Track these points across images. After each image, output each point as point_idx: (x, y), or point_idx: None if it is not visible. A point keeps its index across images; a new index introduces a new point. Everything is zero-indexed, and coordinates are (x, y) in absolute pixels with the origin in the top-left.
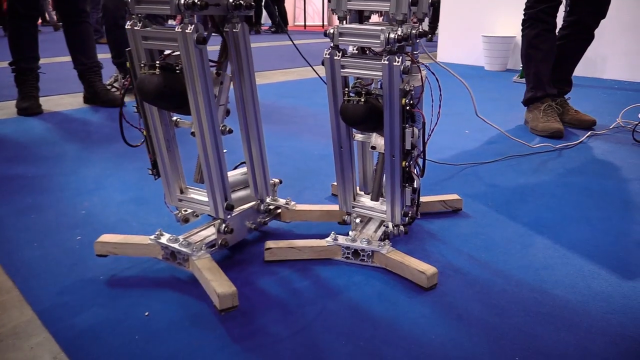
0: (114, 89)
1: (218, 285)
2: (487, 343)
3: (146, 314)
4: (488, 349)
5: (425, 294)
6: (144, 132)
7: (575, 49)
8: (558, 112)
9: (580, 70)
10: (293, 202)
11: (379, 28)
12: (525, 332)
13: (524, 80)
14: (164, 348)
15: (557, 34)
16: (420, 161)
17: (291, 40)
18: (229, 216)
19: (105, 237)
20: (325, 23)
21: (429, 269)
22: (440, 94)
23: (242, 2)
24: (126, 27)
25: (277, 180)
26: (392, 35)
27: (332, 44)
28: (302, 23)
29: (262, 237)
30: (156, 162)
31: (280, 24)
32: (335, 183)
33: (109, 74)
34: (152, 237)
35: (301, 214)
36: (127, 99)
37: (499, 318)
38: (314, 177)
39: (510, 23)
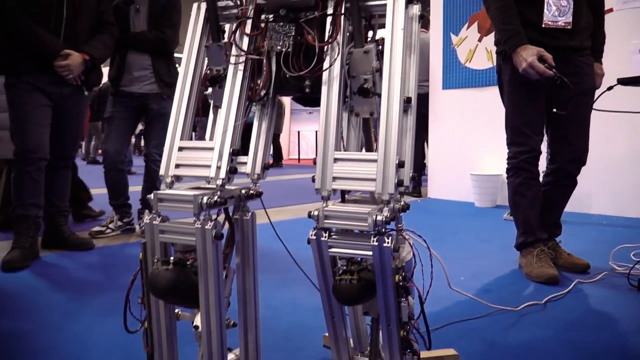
0: (108, 230)
1: None
2: None
3: None
4: None
5: None
6: (145, 325)
7: (560, 194)
8: (551, 257)
9: (567, 206)
10: None
11: (366, 210)
12: None
13: (513, 218)
14: None
15: (541, 180)
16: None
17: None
18: None
19: None
20: None
21: None
22: (431, 264)
23: (253, 192)
24: (145, 220)
25: None
26: (379, 218)
27: (316, 225)
28: (297, 156)
29: None
30: (152, 356)
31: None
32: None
33: (106, 214)
34: None
35: None
36: (102, 243)
37: None
38: (308, 336)
39: (496, 161)
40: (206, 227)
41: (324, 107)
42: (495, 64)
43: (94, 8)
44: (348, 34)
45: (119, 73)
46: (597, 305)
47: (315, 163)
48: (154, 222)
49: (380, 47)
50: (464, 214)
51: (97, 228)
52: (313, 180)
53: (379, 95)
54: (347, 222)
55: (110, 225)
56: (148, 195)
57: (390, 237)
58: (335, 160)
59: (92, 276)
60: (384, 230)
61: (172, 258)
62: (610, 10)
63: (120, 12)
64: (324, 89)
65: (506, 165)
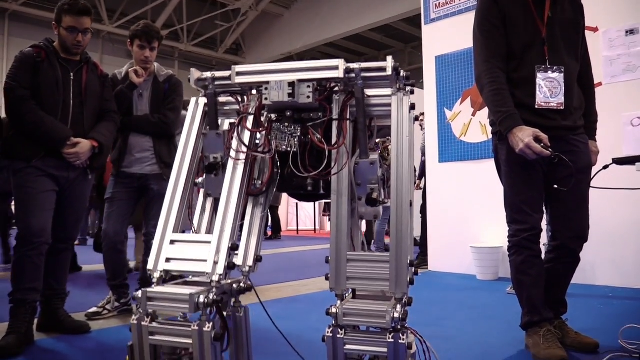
0: (105, 311)
1: None
2: None
3: None
4: None
5: None
6: None
7: (563, 271)
8: (558, 337)
9: (573, 278)
10: None
11: (383, 308)
12: None
13: (517, 296)
14: None
15: (543, 257)
16: None
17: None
18: None
19: None
20: (317, 228)
21: None
22: None
23: (244, 285)
24: (132, 321)
25: None
26: (396, 315)
27: (333, 322)
28: (295, 228)
29: None
30: None
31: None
32: None
33: (103, 295)
34: None
35: None
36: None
37: None
38: None
39: (496, 233)
40: (204, 328)
41: (335, 210)
42: (489, 137)
43: (99, 95)
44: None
45: (121, 154)
46: None
47: (327, 262)
48: (143, 323)
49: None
50: (467, 287)
51: (93, 309)
52: (327, 278)
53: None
54: (366, 320)
55: (107, 307)
56: (131, 294)
57: (405, 334)
58: (349, 260)
59: None
60: (399, 327)
61: None
62: (600, 84)
63: (124, 97)
64: (334, 193)
65: (508, 244)
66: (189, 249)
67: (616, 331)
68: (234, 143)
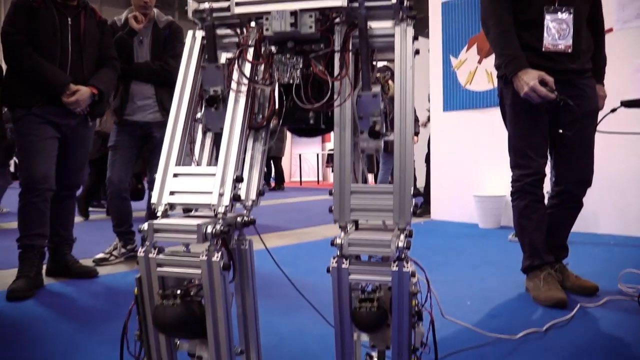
0: (112, 257)
1: None
2: None
3: None
4: None
5: None
6: None
7: (566, 216)
8: (559, 279)
9: (574, 226)
10: None
11: (387, 237)
12: None
13: (519, 241)
14: None
15: (546, 202)
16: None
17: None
18: None
19: None
20: (320, 179)
21: None
22: (429, 294)
23: (247, 219)
24: (139, 254)
25: None
26: (400, 244)
27: (338, 253)
28: (298, 179)
29: None
30: None
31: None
32: None
33: (109, 242)
34: None
35: None
36: (106, 271)
37: None
38: None
39: (500, 182)
40: (213, 258)
41: (338, 144)
42: (495, 85)
43: (98, 42)
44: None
45: (123, 102)
46: (606, 330)
47: (331, 194)
48: (150, 255)
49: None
50: (469, 235)
51: (100, 255)
52: (330, 210)
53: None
54: (370, 249)
55: (114, 253)
56: (140, 226)
57: (409, 263)
58: (352, 192)
59: (96, 305)
60: (403, 256)
61: (176, 291)
62: (610, 30)
63: (124, 43)
64: (336, 126)
65: (510, 189)
66: (192, 181)
67: (616, 276)
68: (235, 75)
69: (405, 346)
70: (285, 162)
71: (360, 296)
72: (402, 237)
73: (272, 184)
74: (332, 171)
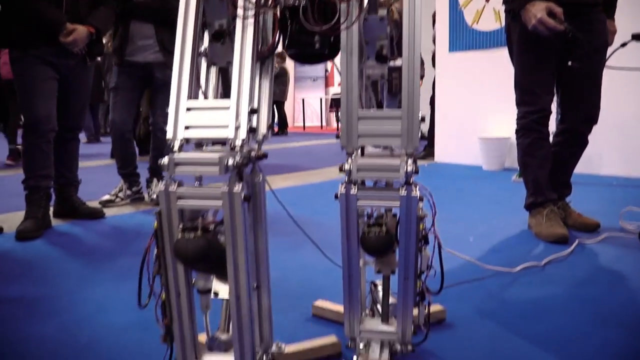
0: (117, 199)
1: None
2: None
3: None
4: None
5: None
6: (162, 297)
7: (570, 154)
8: (561, 216)
9: (577, 167)
10: (283, 345)
11: (395, 162)
12: None
13: (522, 180)
14: None
15: (551, 140)
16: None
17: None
18: None
19: None
20: (324, 124)
21: None
22: (434, 218)
23: (263, 153)
24: (160, 187)
25: None
26: (409, 169)
27: (346, 179)
28: (302, 124)
29: None
30: (170, 328)
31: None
32: (317, 303)
33: (114, 182)
34: None
35: (295, 356)
36: (112, 212)
37: None
38: (319, 296)
39: (505, 124)
40: (235, 189)
41: (345, 69)
42: (503, 24)
43: None
44: None
45: (123, 43)
46: (606, 264)
47: (337, 119)
48: (171, 189)
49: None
50: (472, 177)
51: (106, 197)
52: (337, 137)
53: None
54: (379, 173)
55: (120, 195)
56: (160, 161)
57: (417, 187)
58: (359, 118)
59: (104, 244)
60: (411, 180)
61: (197, 224)
62: None
63: None
64: (343, 51)
65: (515, 126)
66: (207, 115)
67: (617, 214)
68: (240, 1)
69: (411, 270)
70: (288, 107)
71: (368, 222)
72: (410, 161)
73: (276, 129)
74: (336, 115)
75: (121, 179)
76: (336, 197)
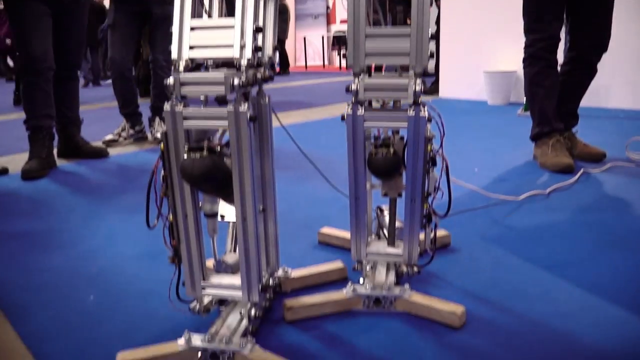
0: (121, 139)
1: None
2: None
3: None
4: None
5: (451, 343)
6: (169, 218)
7: (579, 83)
8: (567, 146)
9: (584, 100)
10: (289, 270)
11: (404, 81)
12: None
13: (528, 113)
14: None
15: (559, 69)
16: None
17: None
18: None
19: (126, 356)
20: (326, 63)
21: (457, 308)
22: (442, 135)
23: (269, 74)
24: (165, 109)
25: None
26: (418, 88)
27: (353, 99)
28: (304, 64)
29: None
30: (177, 250)
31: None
32: (323, 230)
33: (117, 124)
34: (182, 342)
35: (302, 281)
36: (115, 152)
37: None
38: (326, 224)
39: (510, 57)
40: (240, 109)
41: None
42: None
43: None
44: None
45: None
46: (610, 192)
47: (346, 40)
48: (177, 109)
49: None
50: (477, 111)
51: (109, 137)
52: (343, 56)
53: None
54: (387, 93)
55: (123, 134)
56: (171, 76)
57: (425, 107)
58: (367, 36)
59: (110, 181)
60: (419, 100)
61: (203, 144)
62: None
63: None
64: None
65: (523, 55)
66: (211, 34)
67: (624, 146)
68: None
69: (418, 191)
70: (289, 47)
71: (375, 142)
72: (418, 81)
73: (277, 68)
74: (338, 54)
75: (123, 118)
76: (343, 118)
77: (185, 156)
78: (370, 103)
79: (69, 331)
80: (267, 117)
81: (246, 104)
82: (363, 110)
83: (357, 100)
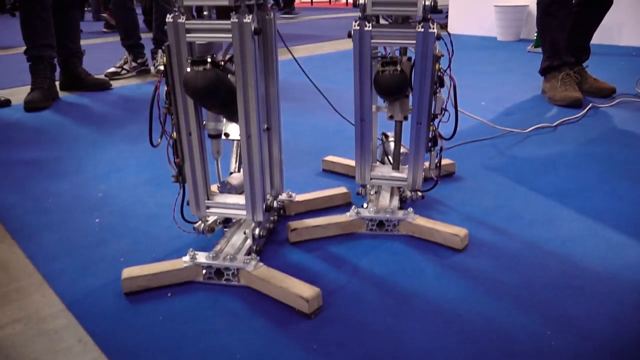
0: (123, 71)
1: (304, 289)
2: (518, 317)
3: (169, 294)
4: (520, 324)
5: (452, 264)
6: (173, 135)
7: (593, 16)
8: (576, 81)
9: (596, 37)
10: (294, 194)
11: None
12: (556, 305)
13: (538, 49)
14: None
15: (573, 1)
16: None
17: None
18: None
19: (132, 271)
20: None
21: (460, 231)
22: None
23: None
24: (167, 20)
25: None
26: (427, 3)
27: (360, 15)
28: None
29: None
30: (182, 168)
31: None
32: (327, 158)
33: (118, 56)
34: (187, 258)
35: (306, 204)
36: (118, 84)
37: (529, 292)
38: (329, 153)
39: None
40: (245, 20)
41: None
42: None
43: None
44: None
45: None
46: (620, 125)
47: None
48: (179, 20)
49: None
50: (487, 47)
51: (112, 69)
52: (355, 5)
53: None
54: (395, 8)
55: (125, 67)
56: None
57: (434, 24)
58: None
59: (113, 112)
60: (428, 16)
61: (206, 57)
62: None
63: None
64: None
65: None
66: None
67: (634, 81)
68: None
69: (425, 113)
70: None
71: (383, 60)
72: None
73: (281, 4)
74: None
75: (125, 50)
76: (349, 35)
77: (189, 69)
78: (377, 20)
79: (75, 251)
80: (272, 34)
81: (250, 16)
82: (370, 27)
83: (365, 15)
